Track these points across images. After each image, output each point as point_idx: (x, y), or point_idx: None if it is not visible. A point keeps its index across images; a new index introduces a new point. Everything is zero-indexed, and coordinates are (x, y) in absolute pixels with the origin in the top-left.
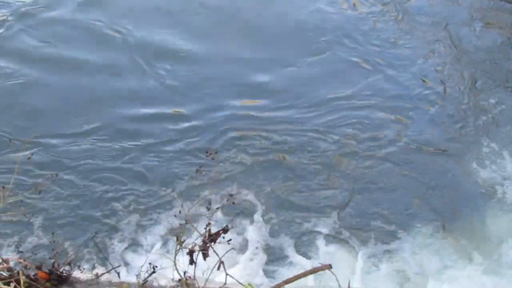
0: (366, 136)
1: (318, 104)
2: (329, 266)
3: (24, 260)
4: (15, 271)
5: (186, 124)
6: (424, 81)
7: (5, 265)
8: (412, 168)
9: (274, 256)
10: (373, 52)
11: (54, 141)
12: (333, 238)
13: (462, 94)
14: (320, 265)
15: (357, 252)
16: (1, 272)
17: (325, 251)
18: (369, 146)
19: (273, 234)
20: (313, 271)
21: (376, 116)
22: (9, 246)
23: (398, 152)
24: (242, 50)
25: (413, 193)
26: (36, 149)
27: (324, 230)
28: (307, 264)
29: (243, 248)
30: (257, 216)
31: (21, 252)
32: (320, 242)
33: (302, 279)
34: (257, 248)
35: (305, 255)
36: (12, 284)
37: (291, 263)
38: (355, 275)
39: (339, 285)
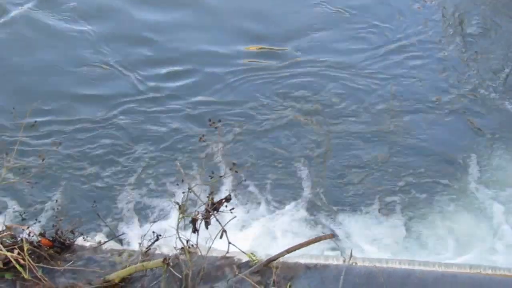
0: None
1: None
2: (331, 235)
3: (28, 227)
4: (19, 238)
5: (188, 90)
6: None
7: (8, 232)
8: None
9: (277, 225)
10: None
11: (58, 108)
12: (340, 205)
13: None
14: (322, 234)
15: (364, 220)
16: (5, 239)
17: (330, 219)
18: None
19: (276, 202)
20: (316, 240)
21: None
22: (12, 213)
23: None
24: None
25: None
26: (40, 116)
27: (333, 198)
28: (310, 233)
29: (245, 217)
30: (260, 185)
31: (24, 219)
32: (326, 211)
33: (305, 248)
34: (260, 216)
35: (309, 224)
36: (16, 251)
37: (294, 232)
38: (362, 244)
39: (341, 254)
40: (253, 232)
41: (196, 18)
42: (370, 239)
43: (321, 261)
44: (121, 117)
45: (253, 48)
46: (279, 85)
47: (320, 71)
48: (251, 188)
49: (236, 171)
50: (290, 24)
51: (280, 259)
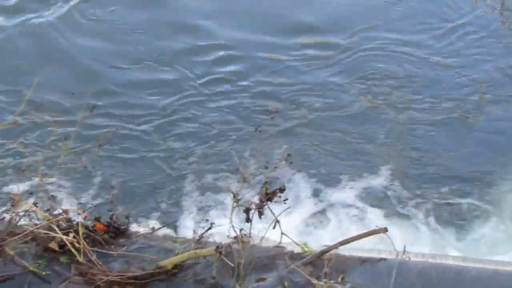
0: None
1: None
2: (385, 229)
3: (83, 212)
4: (74, 222)
5: (244, 82)
6: None
7: (64, 215)
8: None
9: (330, 218)
10: None
11: (116, 95)
12: (395, 200)
13: None
14: (376, 227)
15: (419, 215)
16: (61, 222)
17: (385, 214)
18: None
19: (329, 194)
20: (369, 233)
21: None
22: (69, 197)
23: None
24: None
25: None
26: (99, 102)
27: (387, 193)
28: (363, 227)
29: (299, 208)
30: (314, 176)
31: (80, 203)
32: (381, 205)
33: (358, 241)
34: (313, 208)
35: (362, 217)
36: (71, 235)
37: (346, 225)
38: (415, 239)
39: (394, 249)
40: (306, 222)
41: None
42: (427, 234)
43: (374, 255)
44: (177, 104)
45: (306, 40)
46: (338, 73)
47: (379, 56)
48: (306, 178)
49: (291, 162)
50: (342, 14)
51: (333, 251)
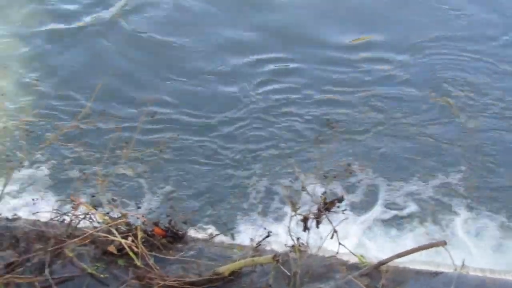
0: None
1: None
2: (444, 243)
3: (142, 216)
4: (133, 226)
5: (304, 91)
6: None
7: (123, 219)
8: None
9: (388, 230)
10: None
11: (177, 102)
12: (458, 212)
13: None
14: (434, 241)
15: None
16: (120, 226)
17: (446, 226)
18: None
19: (388, 207)
20: (427, 246)
21: None
22: (128, 201)
23: None
24: None
25: None
26: (159, 109)
27: (453, 207)
28: (421, 239)
29: (356, 219)
30: (374, 187)
31: (139, 207)
32: (443, 217)
33: (414, 254)
34: (371, 219)
35: (421, 230)
36: (130, 238)
37: (405, 236)
38: (474, 253)
39: (453, 262)
40: (364, 233)
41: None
42: (489, 248)
43: (432, 268)
44: (236, 114)
45: (358, 40)
46: (402, 83)
47: (447, 65)
48: (366, 189)
49: (350, 172)
50: (406, 25)
51: (390, 263)
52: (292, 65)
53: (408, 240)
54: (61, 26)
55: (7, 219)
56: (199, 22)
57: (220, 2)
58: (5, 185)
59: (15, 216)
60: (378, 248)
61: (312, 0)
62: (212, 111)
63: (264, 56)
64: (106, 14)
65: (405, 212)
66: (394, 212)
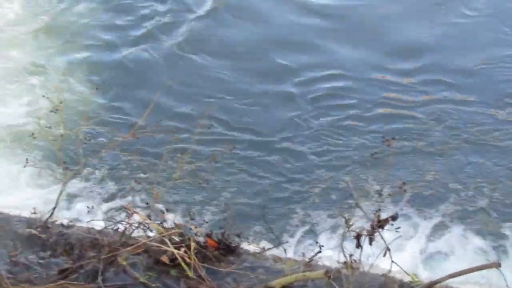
0: None
1: None
2: (498, 264)
3: (196, 227)
4: (186, 237)
5: (361, 107)
6: None
7: (177, 230)
8: None
9: (441, 250)
10: None
11: (232, 116)
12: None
13: None
14: (488, 262)
15: None
16: (173, 236)
17: (499, 246)
18: None
19: (442, 226)
20: (480, 268)
21: None
22: (182, 212)
23: None
24: None
25: None
26: (217, 120)
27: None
28: (474, 260)
29: (410, 237)
30: (427, 207)
31: (193, 219)
32: (498, 239)
33: (467, 275)
34: (424, 238)
35: (475, 250)
36: (183, 249)
37: (457, 257)
38: None
39: (507, 285)
40: (417, 252)
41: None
42: None
43: None
44: (292, 129)
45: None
46: (462, 98)
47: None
48: (420, 207)
49: (405, 190)
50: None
51: (443, 283)
52: (346, 83)
53: (461, 260)
54: (119, 39)
55: (62, 225)
56: (251, 41)
57: (269, 21)
58: (61, 192)
59: (70, 223)
60: (431, 267)
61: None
62: (267, 126)
63: (318, 73)
64: (163, 29)
65: (458, 231)
66: (448, 231)
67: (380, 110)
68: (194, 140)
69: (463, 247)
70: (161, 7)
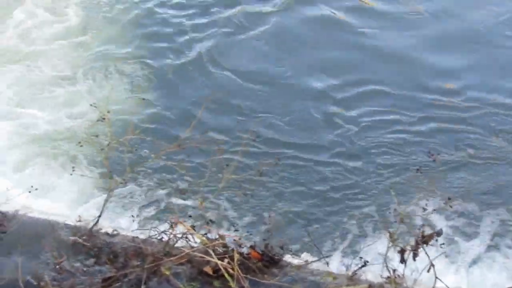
0: None
1: None
2: None
3: (239, 238)
4: (230, 248)
5: (407, 121)
6: None
7: (221, 241)
8: None
9: (487, 267)
10: None
11: (277, 129)
12: None
13: None
14: None
15: None
16: (217, 247)
17: None
18: None
19: (489, 242)
20: None
21: None
22: (226, 223)
23: None
24: None
25: None
26: (261, 131)
27: None
28: None
29: (455, 253)
30: (473, 223)
31: (236, 230)
32: None
33: None
34: (469, 255)
35: None
36: (226, 260)
37: (502, 276)
38: None
39: None
40: (461, 268)
41: None
42: None
43: None
44: (334, 140)
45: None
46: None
47: None
48: (465, 224)
49: (451, 206)
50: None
51: None
52: (389, 99)
53: (508, 278)
54: (164, 51)
55: (107, 234)
56: (291, 46)
57: (308, 40)
58: (106, 201)
59: (115, 232)
60: (477, 285)
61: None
62: (310, 141)
63: (360, 89)
64: (209, 39)
65: (506, 249)
66: (495, 249)
67: (425, 125)
68: (238, 152)
69: (510, 266)
70: (202, 22)
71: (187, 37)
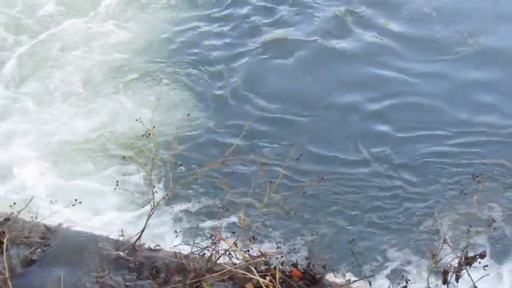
0: None
1: None
2: None
3: (281, 256)
4: (272, 266)
5: (450, 142)
6: None
7: (263, 258)
8: None
9: None
10: None
11: (321, 144)
12: None
13: None
14: None
15: None
16: (259, 264)
17: None
18: None
19: None
20: None
21: None
22: (268, 240)
23: None
24: None
25: None
26: (303, 150)
27: None
28: None
29: (498, 276)
30: None
31: (279, 248)
32: None
33: None
34: None
35: None
36: (268, 278)
37: None
38: None
39: None
40: None
41: None
42: None
43: None
44: (378, 158)
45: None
46: None
47: None
48: (510, 246)
49: (494, 228)
50: None
51: None
52: (433, 115)
53: None
54: (208, 72)
55: (149, 249)
56: (325, 66)
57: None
58: (149, 216)
59: (157, 247)
60: None
61: None
62: (353, 159)
63: (400, 103)
64: (247, 65)
65: None
66: None
67: (469, 145)
68: (282, 169)
69: None
70: (240, 49)
71: (226, 62)
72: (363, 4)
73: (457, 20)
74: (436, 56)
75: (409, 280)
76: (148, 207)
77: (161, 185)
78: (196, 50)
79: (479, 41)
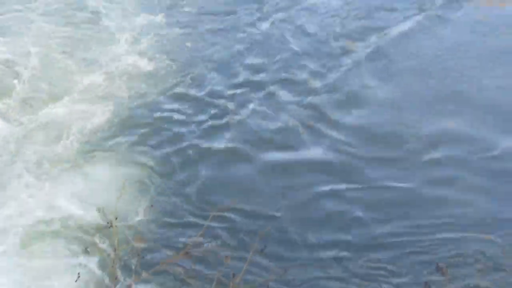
0: None
1: None
2: None
3: None
4: None
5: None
6: None
7: None
8: None
9: None
10: None
11: (286, 235)
12: None
13: None
14: None
15: None
16: None
17: None
18: None
19: None
20: None
21: None
22: None
23: None
24: None
25: None
26: (269, 242)
27: None
28: None
29: None
30: None
31: None
32: None
33: None
34: None
35: None
36: None
37: None
38: None
39: None
40: None
41: None
42: None
43: None
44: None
45: None
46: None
47: None
48: None
49: None
50: None
51: None
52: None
53: None
54: (174, 153)
55: None
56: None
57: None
58: None
59: None
60: None
61: None
62: (321, 243)
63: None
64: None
65: None
66: None
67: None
68: (247, 262)
69: None
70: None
71: (194, 145)
72: None
73: None
74: None
75: None
76: None
77: (125, 275)
78: (164, 133)
79: None
